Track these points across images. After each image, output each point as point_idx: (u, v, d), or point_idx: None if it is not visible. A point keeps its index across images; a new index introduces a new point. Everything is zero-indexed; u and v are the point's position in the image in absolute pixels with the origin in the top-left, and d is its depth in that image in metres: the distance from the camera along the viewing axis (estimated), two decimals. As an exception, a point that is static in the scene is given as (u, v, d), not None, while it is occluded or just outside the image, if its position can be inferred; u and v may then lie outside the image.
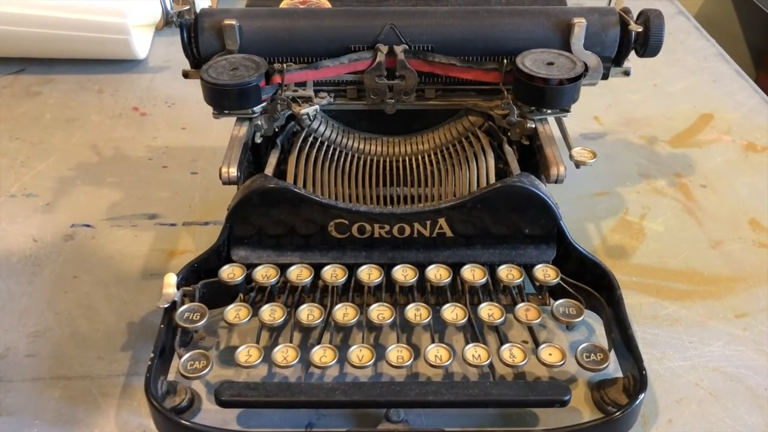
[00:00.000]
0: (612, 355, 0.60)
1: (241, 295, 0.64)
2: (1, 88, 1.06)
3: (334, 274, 0.63)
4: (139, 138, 0.95)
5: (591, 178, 0.85)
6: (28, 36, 1.06)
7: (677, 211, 0.81)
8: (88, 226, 0.80)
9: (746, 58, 1.48)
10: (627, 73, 0.73)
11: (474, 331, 0.62)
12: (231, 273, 0.63)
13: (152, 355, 0.58)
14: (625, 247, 0.76)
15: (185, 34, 0.69)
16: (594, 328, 0.66)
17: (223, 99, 0.66)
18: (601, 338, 0.64)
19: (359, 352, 0.58)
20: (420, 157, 0.72)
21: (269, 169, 0.68)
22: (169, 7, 0.67)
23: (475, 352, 0.59)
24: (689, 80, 1.06)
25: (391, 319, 0.61)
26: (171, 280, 0.61)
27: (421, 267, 0.64)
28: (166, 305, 0.61)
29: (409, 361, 0.58)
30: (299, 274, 0.63)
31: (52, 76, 1.09)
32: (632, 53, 0.72)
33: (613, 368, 0.61)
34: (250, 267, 0.64)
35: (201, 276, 0.64)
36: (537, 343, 0.60)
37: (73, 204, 0.83)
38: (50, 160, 0.90)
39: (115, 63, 1.10)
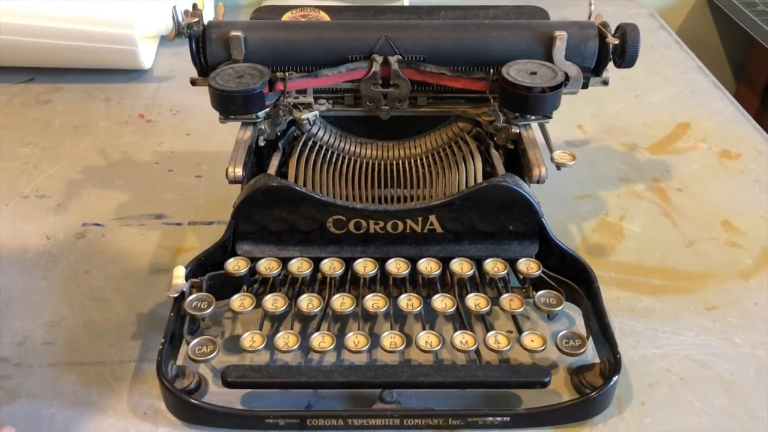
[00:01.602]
0: (590, 343, 0.65)
1: (245, 287, 0.69)
2: (11, 96, 1.11)
3: (332, 266, 0.68)
4: (146, 143, 0.99)
5: (574, 182, 0.90)
6: (37, 46, 1.10)
7: (654, 213, 0.86)
8: (98, 225, 0.84)
9: (726, 71, 1.54)
10: (606, 83, 0.78)
11: (462, 319, 0.66)
12: (236, 265, 0.67)
13: (163, 340, 0.62)
14: (604, 246, 0.81)
15: (194, 44, 0.74)
16: (574, 319, 0.71)
17: (230, 104, 0.71)
18: (581, 328, 0.69)
19: (355, 339, 0.63)
20: (412, 161, 0.77)
21: (271, 170, 0.73)
22: (180, 19, 0.71)
23: (462, 339, 0.63)
24: (669, 91, 1.11)
25: (385, 308, 0.66)
26: (180, 272, 0.66)
27: (413, 260, 0.68)
28: (176, 295, 0.65)
29: (402, 347, 0.62)
30: (300, 266, 0.68)
31: (60, 84, 1.13)
32: (611, 64, 0.77)
33: (591, 355, 0.65)
34: (254, 260, 0.68)
35: (208, 269, 0.68)
36: (520, 331, 0.65)
37: (84, 205, 0.87)
38: (61, 163, 0.95)
39: (121, 73, 1.15)
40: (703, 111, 1.06)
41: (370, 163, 0.77)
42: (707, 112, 1.06)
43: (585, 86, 0.77)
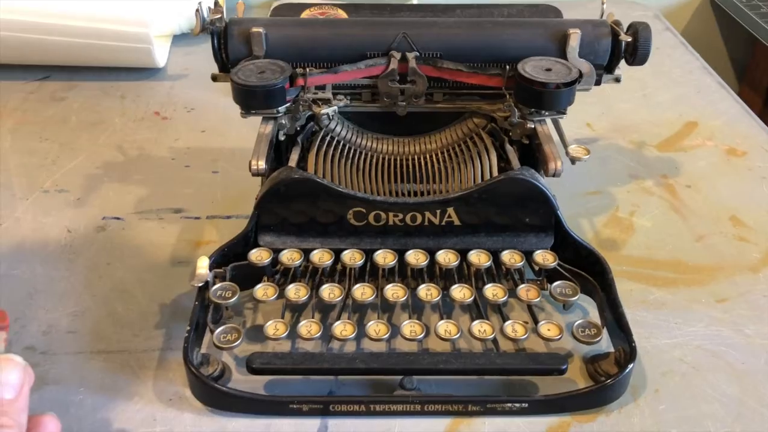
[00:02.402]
0: (605, 332, 0.66)
1: (266, 277, 0.70)
2: (27, 93, 1.12)
3: (352, 257, 0.69)
4: (162, 140, 1.01)
5: (584, 178, 0.91)
6: (52, 44, 1.12)
7: (664, 209, 0.88)
8: (117, 218, 0.86)
9: (729, 72, 1.56)
10: (618, 80, 0.80)
11: (479, 309, 0.68)
12: (259, 256, 0.69)
13: (188, 328, 0.64)
14: (616, 240, 0.83)
15: (215, 40, 0.76)
16: (588, 310, 0.72)
17: (251, 99, 0.72)
18: (595, 319, 0.70)
19: (376, 327, 0.64)
20: (428, 156, 0.79)
21: (291, 164, 0.74)
22: (205, 16, 0.73)
23: (480, 328, 0.65)
24: (675, 91, 1.13)
25: (405, 298, 0.67)
26: (203, 262, 0.67)
27: (431, 252, 0.70)
28: (200, 284, 0.67)
29: (422, 335, 0.64)
30: (321, 257, 0.69)
31: (75, 82, 1.15)
32: (622, 62, 0.79)
33: (605, 345, 0.67)
34: (276, 251, 0.70)
35: (231, 259, 0.70)
36: (536, 321, 0.66)
37: (103, 199, 0.89)
38: (79, 159, 0.96)
39: (136, 71, 1.17)
40: (710, 110, 1.08)
41: (387, 158, 0.79)
42: (713, 111, 1.08)
43: (598, 83, 0.79)
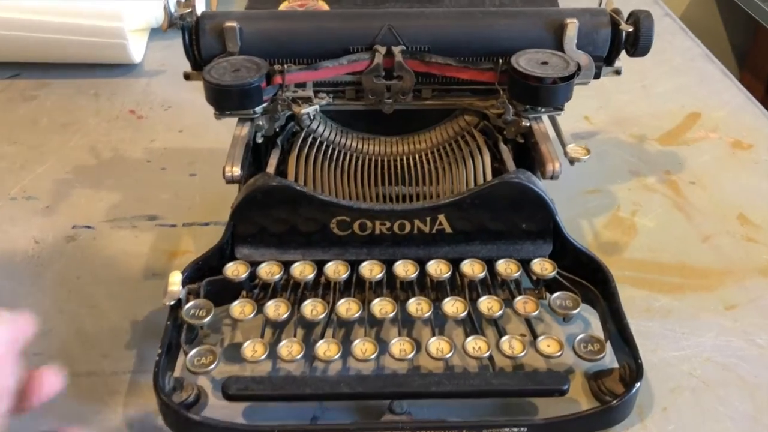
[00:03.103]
0: (608, 346, 0.62)
1: (245, 292, 0.65)
2: (-4, 92, 1.07)
3: (336, 270, 0.64)
4: (137, 140, 0.95)
5: (583, 176, 0.86)
6: (23, 41, 1.06)
7: (667, 207, 0.83)
8: (88, 227, 0.81)
9: (730, 58, 1.51)
10: (618, 72, 0.75)
11: (474, 324, 0.63)
12: (235, 270, 0.64)
13: (159, 351, 0.59)
14: (617, 243, 0.78)
15: (187, 37, 0.71)
16: (590, 321, 0.68)
17: (226, 100, 0.67)
18: (597, 331, 0.66)
19: (362, 346, 0.60)
20: (417, 156, 0.74)
21: (270, 169, 0.69)
22: (172, 10, 0.68)
23: (475, 345, 0.60)
24: (677, 80, 1.08)
25: (393, 313, 0.62)
26: (176, 278, 0.62)
27: (421, 262, 0.65)
28: (172, 302, 0.62)
29: (412, 354, 0.59)
30: (302, 270, 0.64)
31: (47, 80, 1.09)
32: (623, 53, 0.74)
33: (609, 359, 0.62)
34: (254, 264, 0.65)
35: (205, 274, 0.65)
36: (535, 335, 0.62)
37: (73, 206, 0.84)
38: (49, 163, 0.91)
39: (111, 67, 1.11)
40: (713, 100, 1.03)
41: (373, 160, 0.74)
42: (717, 102, 1.03)
43: (597, 76, 0.74)
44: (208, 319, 0.61)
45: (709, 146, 0.93)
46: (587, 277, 0.66)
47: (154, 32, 1.18)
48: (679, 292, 0.72)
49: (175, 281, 0.62)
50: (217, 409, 0.60)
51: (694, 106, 1.01)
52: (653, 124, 0.98)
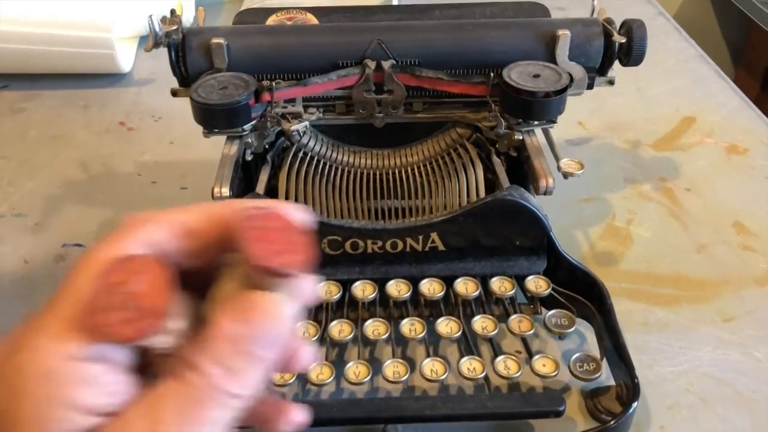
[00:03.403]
0: (604, 363, 0.61)
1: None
2: (-16, 105, 1.05)
3: (328, 290, 0.64)
4: (127, 153, 0.94)
5: (577, 184, 0.85)
6: (10, 52, 1.05)
7: (663, 216, 0.82)
8: (79, 245, 0.80)
9: (725, 56, 1.50)
10: (611, 83, 0.74)
11: (468, 343, 0.62)
12: (226, 293, 0.63)
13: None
14: (613, 253, 0.77)
15: (173, 54, 0.69)
16: (585, 336, 0.67)
17: (213, 118, 0.66)
18: (593, 346, 0.65)
19: (356, 369, 0.59)
20: (409, 169, 0.73)
21: (260, 186, 0.69)
22: (157, 29, 0.67)
23: (470, 365, 0.59)
24: (671, 83, 1.07)
25: (387, 334, 0.62)
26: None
27: (414, 281, 0.64)
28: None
29: (405, 376, 0.59)
30: (294, 291, 0.63)
31: (36, 91, 1.08)
32: (616, 63, 0.73)
33: (605, 376, 0.62)
34: (245, 286, 0.64)
35: (196, 296, 0.64)
36: (530, 354, 0.61)
37: (64, 223, 0.83)
38: (38, 178, 0.90)
39: (100, 77, 1.10)
40: (708, 103, 1.02)
41: (365, 173, 0.73)
42: (711, 104, 1.02)
43: (590, 86, 0.73)
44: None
45: (705, 151, 0.93)
46: (583, 293, 0.65)
47: (144, 40, 1.17)
48: (675, 304, 0.71)
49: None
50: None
51: (689, 110, 1.01)
52: (648, 128, 0.97)
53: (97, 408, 0.30)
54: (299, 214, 0.34)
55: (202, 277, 0.34)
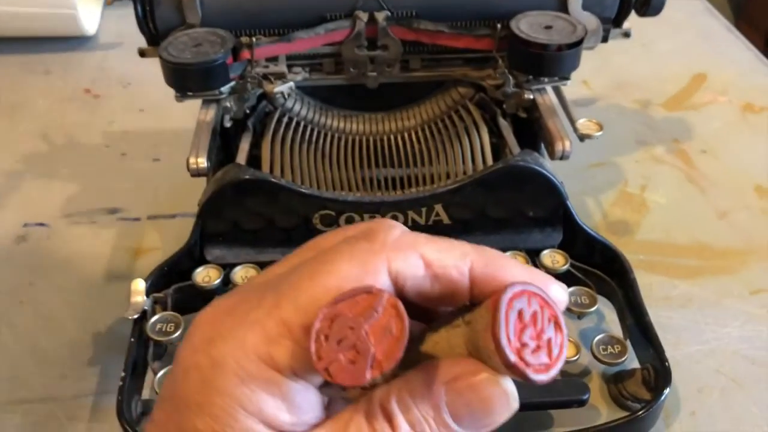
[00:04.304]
0: (628, 344, 0.55)
1: (219, 299, 0.58)
2: (-66, 72, 0.96)
3: (321, 271, 0.57)
4: (94, 123, 0.86)
5: (586, 148, 0.77)
6: (-38, 14, 0.96)
7: (679, 180, 0.76)
8: (42, 225, 0.72)
9: (725, 10, 1.43)
10: (627, 35, 0.68)
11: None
12: (206, 276, 0.56)
13: (123, 374, 0.52)
14: (628, 222, 0.71)
15: (140, 8, 0.61)
16: (604, 314, 0.61)
17: (186, 80, 0.59)
18: (612, 326, 0.60)
19: (355, 358, 0.53)
20: (407, 135, 0.66)
21: (241, 156, 0.61)
22: (118, -23, 0.59)
23: (482, 351, 0.53)
24: (678, 39, 1.01)
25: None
26: (139, 286, 0.55)
27: (417, 259, 0.58)
28: (136, 316, 0.54)
29: (411, 365, 0.52)
30: (283, 273, 0.57)
31: (-9, 56, 0.99)
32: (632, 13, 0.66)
33: (629, 358, 0.56)
34: (227, 267, 0.57)
35: (173, 279, 0.57)
36: (547, 337, 0.55)
37: (24, 201, 0.75)
38: (-5, 152, 0.82)
39: (62, 41, 1.01)
40: (719, 60, 0.96)
41: (358, 140, 0.66)
42: (724, 61, 0.96)
43: (605, 39, 0.67)
44: (177, 334, 0.53)
45: (719, 111, 0.87)
46: (602, 267, 0.59)
47: None
48: (698, 276, 0.66)
49: (138, 290, 0.55)
50: (193, 434, 0.53)
51: (700, 67, 0.94)
52: (657, 87, 0.90)
53: (282, 426, 0.27)
54: (563, 295, 0.30)
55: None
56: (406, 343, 0.26)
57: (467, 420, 0.28)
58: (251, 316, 0.28)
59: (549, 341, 0.27)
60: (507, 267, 0.29)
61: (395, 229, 0.29)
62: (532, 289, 0.27)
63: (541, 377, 0.26)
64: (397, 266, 0.28)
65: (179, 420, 0.28)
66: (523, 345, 0.26)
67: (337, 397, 0.30)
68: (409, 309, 0.27)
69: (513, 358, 0.26)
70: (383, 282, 0.28)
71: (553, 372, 0.27)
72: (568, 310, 0.56)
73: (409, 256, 0.28)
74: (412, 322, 0.30)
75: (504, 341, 0.25)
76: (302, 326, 0.27)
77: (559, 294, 0.29)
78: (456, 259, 0.28)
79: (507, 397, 0.28)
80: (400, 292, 0.28)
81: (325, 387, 0.29)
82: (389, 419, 0.27)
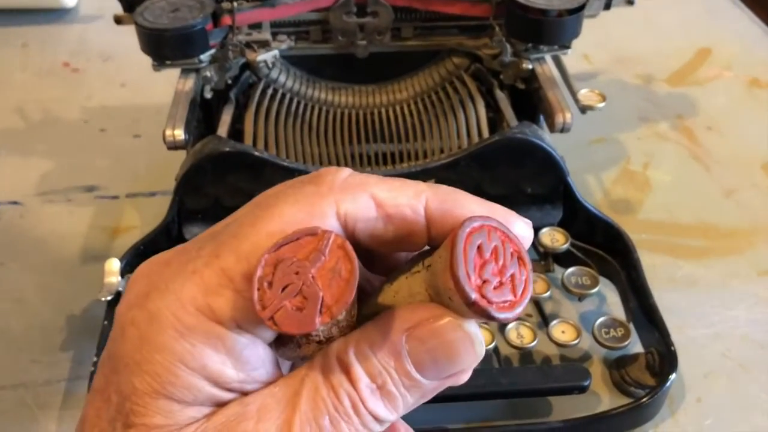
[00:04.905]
0: (631, 327, 0.53)
1: (199, 280, 0.54)
2: None
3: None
4: (72, 98, 0.83)
5: (587, 123, 0.75)
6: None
7: (683, 158, 0.73)
8: (15, 203, 0.69)
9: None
10: (631, 2, 0.65)
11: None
12: (184, 255, 0.53)
13: (95, 358, 0.49)
14: (630, 201, 0.68)
15: (112, -30, 0.58)
16: (606, 295, 0.58)
17: (163, 47, 0.55)
18: (614, 308, 0.57)
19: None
20: (398, 108, 0.63)
21: (223, 129, 0.58)
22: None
23: (477, 335, 0.50)
24: (682, 11, 0.97)
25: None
26: (113, 266, 0.51)
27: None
28: (110, 297, 0.51)
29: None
30: (266, 252, 0.54)
31: (-34, 29, 0.95)
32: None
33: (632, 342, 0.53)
34: (207, 246, 0.54)
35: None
36: (545, 319, 0.52)
37: (-2, 177, 0.72)
38: (-32, 127, 0.78)
39: (41, 13, 0.97)
40: (723, 33, 0.92)
41: (346, 113, 0.63)
42: (728, 35, 0.92)
43: (607, 7, 0.63)
44: (152, 317, 0.50)
45: (724, 86, 0.83)
46: (604, 247, 0.56)
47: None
48: (704, 256, 0.63)
49: (113, 270, 0.51)
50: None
51: (704, 41, 0.91)
52: (660, 62, 0.87)
53: (230, 383, 0.25)
54: (527, 231, 0.27)
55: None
56: (357, 285, 0.24)
57: (431, 368, 0.25)
58: (189, 267, 0.25)
59: (513, 277, 0.24)
60: (465, 202, 0.26)
61: (343, 172, 0.27)
62: (491, 223, 0.24)
63: (506, 315, 0.24)
64: (346, 208, 0.25)
65: (117, 381, 0.25)
66: (485, 282, 0.23)
67: (296, 359, 0.28)
68: (366, 260, 0.25)
69: (474, 295, 0.23)
70: (332, 225, 0.25)
71: (518, 310, 0.24)
72: (569, 292, 0.53)
73: (358, 197, 0.26)
74: (372, 276, 0.27)
75: (463, 278, 0.23)
76: (244, 275, 0.24)
77: (523, 230, 0.27)
78: (409, 198, 0.26)
79: (471, 341, 0.25)
80: (351, 237, 0.26)
81: (281, 348, 0.26)
82: (347, 371, 0.25)
